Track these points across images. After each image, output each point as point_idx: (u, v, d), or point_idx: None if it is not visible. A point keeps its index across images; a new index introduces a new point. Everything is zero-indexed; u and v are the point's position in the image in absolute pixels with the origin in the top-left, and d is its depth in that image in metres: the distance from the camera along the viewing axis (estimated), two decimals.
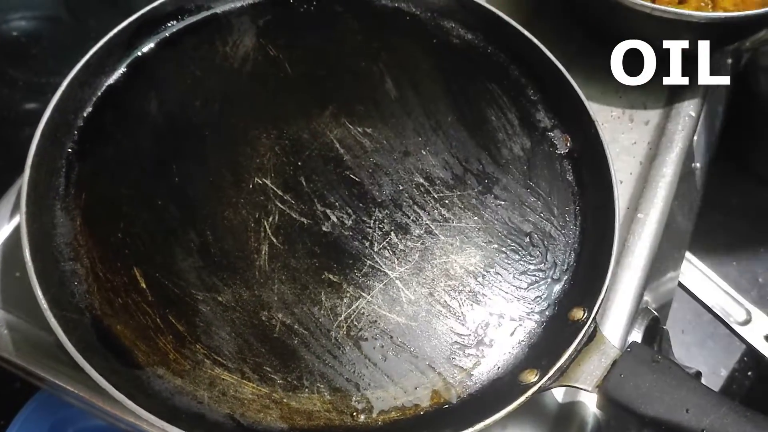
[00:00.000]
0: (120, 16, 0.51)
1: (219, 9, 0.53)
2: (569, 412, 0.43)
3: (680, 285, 0.63)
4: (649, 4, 0.49)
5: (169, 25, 0.52)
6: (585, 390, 0.39)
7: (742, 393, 0.60)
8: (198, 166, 0.47)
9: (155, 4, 0.51)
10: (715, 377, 0.60)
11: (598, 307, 0.41)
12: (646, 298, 0.51)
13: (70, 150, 0.47)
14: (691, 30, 0.52)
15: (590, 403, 0.43)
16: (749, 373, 0.60)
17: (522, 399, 0.38)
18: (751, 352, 0.61)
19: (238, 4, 0.54)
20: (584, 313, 0.42)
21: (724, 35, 0.54)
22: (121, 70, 0.50)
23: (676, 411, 0.35)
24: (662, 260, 0.54)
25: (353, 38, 0.54)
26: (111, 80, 0.49)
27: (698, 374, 0.53)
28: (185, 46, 0.52)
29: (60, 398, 0.48)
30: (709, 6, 0.52)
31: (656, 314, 0.50)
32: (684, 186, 0.55)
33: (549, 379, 0.39)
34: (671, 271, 0.61)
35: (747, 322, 0.62)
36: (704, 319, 0.62)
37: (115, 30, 0.49)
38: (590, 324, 0.40)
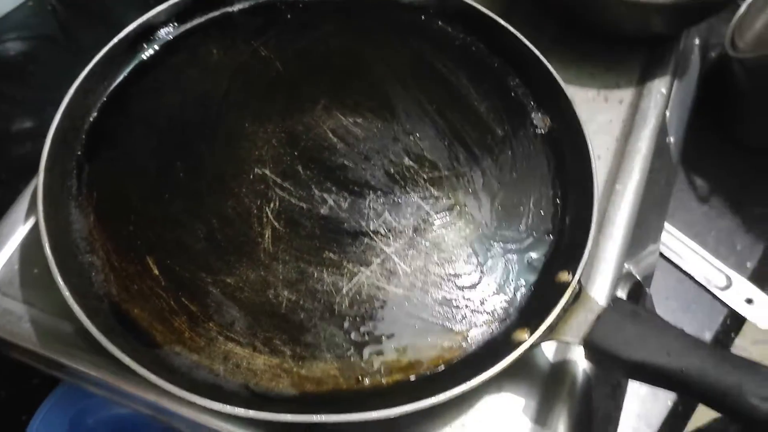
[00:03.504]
0: (111, 32, 0.54)
1: (212, 15, 0.56)
2: (561, 370, 0.46)
3: (662, 256, 0.66)
4: None
5: (166, 32, 0.55)
6: (573, 342, 0.41)
7: None
8: (201, 161, 0.50)
9: (150, 14, 0.54)
10: None
11: (582, 269, 0.44)
12: (630, 267, 0.54)
13: (79, 153, 0.50)
14: (659, 13, 0.55)
15: (581, 362, 0.46)
16: (732, 335, 0.63)
17: (515, 354, 0.41)
18: (732, 314, 0.64)
19: (230, 10, 0.57)
20: (569, 276, 0.45)
21: (691, 15, 0.57)
22: (124, 75, 0.53)
23: (658, 355, 0.38)
24: (643, 230, 0.57)
25: (340, 36, 0.58)
26: (114, 86, 0.52)
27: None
28: (182, 51, 0.55)
29: (80, 388, 0.50)
30: None
31: (639, 279, 0.53)
32: (659, 159, 0.58)
33: (539, 335, 0.42)
34: (652, 244, 0.64)
35: (728, 287, 0.65)
36: (687, 285, 0.65)
37: (116, 39, 0.52)
38: (575, 284, 0.43)
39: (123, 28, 0.54)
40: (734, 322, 0.64)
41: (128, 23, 0.54)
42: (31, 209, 0.50)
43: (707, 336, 0.63)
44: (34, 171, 0.50)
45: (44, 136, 0.48)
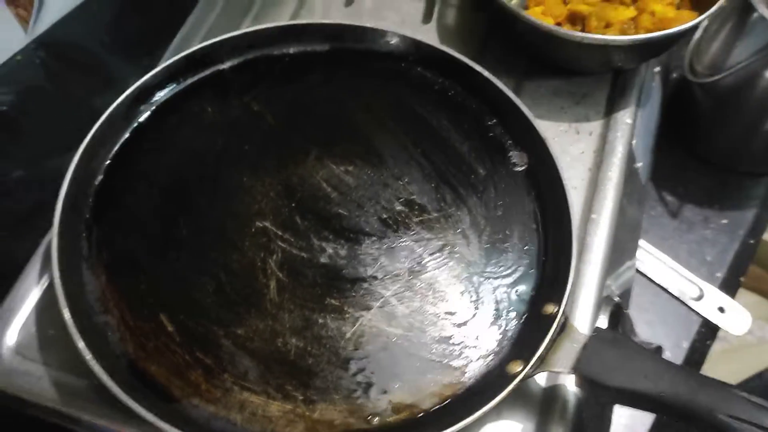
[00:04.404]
0: (99, 82, 0.56)
1: (204, 74, 0.59)
2: (553, 394, 0.49)
3: (638, 271, 0.70)
4: (579, 33, 0.56)
5: (161, 94, 0.58)
6: (563, 372, 0.45)
7: (703, 361, 0.67)
8: (203, 218, 0.53)
9: (145, 78, 0.57)
10: (678, 349, 0.67)
11: (566, 301, 0.48)
12: (609, 284, 0.58)
13: (88, 216, 0.52)
14: (619, 51, 0.59)
15: (570, 385, 0.50)
16: (708, 342, 0.68)
17: (511, 387, 0.44)
18: (707, 323, 0.69)
19: (220, 68, 0.60)
20: (555, 308, 0.48)
21: (648, 51, 0.62)
22: (124, 138, 0.56)
23: (636, 378, 0.42)
24: (619, 251, 0.61)
25: (324, 86, 0.61)
26: (116, 149, 0.55)
27: (659, 349, 0.60)
28: (178, 111, 0.58)
29: None
30: (632, 28, 0.60)
31: (618, 301, 0.57)
32: (630, 184, 0.62)
33: (531, 367, 0.45)
34: (628, 260, 0.68)
35: (700, 297, 0.70)
36: (663, 298, 0.69)
37: (114, 105, 0.55)
38: (561, 317, 0.47)
39: (111, 76, 0.56)
40: (708, 331, 0.68)
41: (115, 71, 0.57)
42: (43, 271, 0.53)
43: (685, 345, 0.67)
44: (31, 223, 0.53)
45: (39, 186, 0.51)
